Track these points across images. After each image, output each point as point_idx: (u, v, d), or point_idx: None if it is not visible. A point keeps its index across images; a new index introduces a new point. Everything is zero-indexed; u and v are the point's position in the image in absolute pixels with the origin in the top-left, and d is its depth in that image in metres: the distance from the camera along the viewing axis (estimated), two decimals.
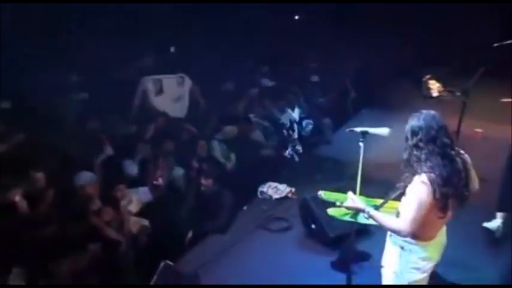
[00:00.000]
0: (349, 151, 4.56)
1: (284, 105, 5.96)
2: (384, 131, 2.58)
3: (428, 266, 1.97)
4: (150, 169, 4.09)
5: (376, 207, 2.07)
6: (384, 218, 1.98)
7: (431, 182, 1.80)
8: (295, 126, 5.86)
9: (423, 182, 1.82)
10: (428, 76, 7.05)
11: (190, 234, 3.66)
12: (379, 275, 2.23)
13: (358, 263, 3.19)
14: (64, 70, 4.83)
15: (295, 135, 5.79)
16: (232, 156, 4.98)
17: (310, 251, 3.50)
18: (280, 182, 4.58)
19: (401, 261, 1.99)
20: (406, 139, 1.94)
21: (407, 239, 1.93)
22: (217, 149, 4.93)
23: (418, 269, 1.96)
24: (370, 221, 2.06)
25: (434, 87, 7.04)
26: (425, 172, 1.83)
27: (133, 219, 3.67)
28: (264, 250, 3.53)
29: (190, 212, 3.79)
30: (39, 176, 3.42)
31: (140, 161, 4.17)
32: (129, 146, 4.33)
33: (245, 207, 4.17)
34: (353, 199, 2.09)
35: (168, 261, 2.89)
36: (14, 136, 3.75)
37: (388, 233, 2.12)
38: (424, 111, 1.96)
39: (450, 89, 6.67)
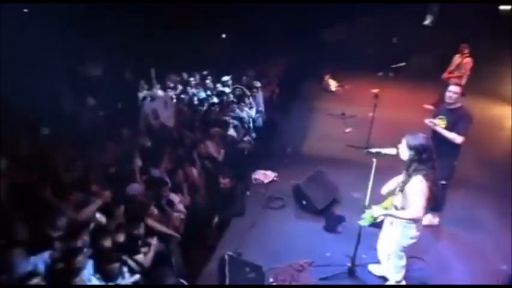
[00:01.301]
0: (301, 139, 6.46)
1: (243, 106, 7.54)
2: (392, 151, 3.53)
3: (417, 235, 3.53)
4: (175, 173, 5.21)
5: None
6: (402, 214, 3.30)
7: (426, 180, 3.18)
8: (251, 121, 7.42)
9: (421, 181, 3.16)
10: (328, 76, 9.67)
11: (216, 219, 4.95)
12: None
13: (339, 224, 4.89)
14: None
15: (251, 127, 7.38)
16: (222, 151, 6.27)
17: (305, 220, 5.07)
18: (265, 169, 6.08)
19: (403, 235, 3.45)
20: (409, 150, 3.22)
21: (408, 221, 3.34)
22: (211, 147, 6.15)
23: (413, 238, 3.45)
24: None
25: (332, 83, 9.63)
26: (420, 174, 3.19)
27: (175, 214, 4.83)
28: (273, 225, 4.98)
29: (214, 203, 5.03)
30: (107, 193, 4.34)
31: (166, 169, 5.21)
32: (152, 157, 5.32)
33: (248, 193, 5.54)
34: (380, 211, 3.41)
35: (229, 252, 3.99)
36: (74, 163, 4.48)
37: (388, 221, 3.63)
38: (419, 134, 3.30)
39: (341, 84, 9.46)
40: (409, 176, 3.29)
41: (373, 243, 4.05)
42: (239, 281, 3.71)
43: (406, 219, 3.34)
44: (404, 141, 3.37)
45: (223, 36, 11.39)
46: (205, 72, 8.94)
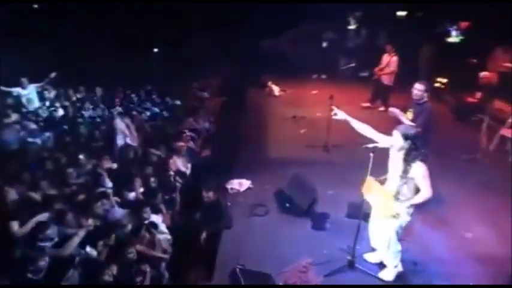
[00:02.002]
0: (261, 144, 6.70)
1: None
2: (386, 144, 3.86)
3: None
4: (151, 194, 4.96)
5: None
6: (418, 198, 3.61)
7: (424, 163, 3.58)
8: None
9: (422, 166, 3.57)
10: (270, 82, 10.33)
11: (204, 235, 4.82)
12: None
13: (326, 221, 5.11)
14: None
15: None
16: (189, 165, 6.16)
17: (292, 222, 5.19)
18: (238, 178, 6.08)
19: (402, 219, 3.79)
20: (405, 140, 3.59)
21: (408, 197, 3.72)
22: (179, 162, 6.00)
23: (410, 214, 3.81)
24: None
25: (275, 89, 10.26)
26: (418, 160, 3.60)
27: (161, 236, 4.61)
28: (263, 231, 5.01)
29: (199, 218, 4.90)
30: (88, 222, 4.04)
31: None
32: (122, 179, 5.00)
33: (229, 203, 5.48)
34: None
35: (239, 266, 3.98)
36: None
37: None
38: (408, 125, 3.81)
39: (283, 89, 10.15)
40: (409, 164, 3.61)
41: (362, 234, 4.31)
42: None
43: (420, 202, 3.66)
44: (398, 134, 3.69)
45: (156, 50, 11.25)
46: (149, 87, 8.76)
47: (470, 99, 7.93)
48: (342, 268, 4.29)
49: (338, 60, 11.51)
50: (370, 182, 4.04)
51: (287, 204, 5.31)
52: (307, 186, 5.58)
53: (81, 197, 4.62)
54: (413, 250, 4.52)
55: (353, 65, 7.92)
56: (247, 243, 4.78)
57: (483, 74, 7.92)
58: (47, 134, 6.07)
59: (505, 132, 6.92)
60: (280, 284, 4.05)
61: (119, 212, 4.47)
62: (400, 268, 4.19)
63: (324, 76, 11.87)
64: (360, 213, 4.25)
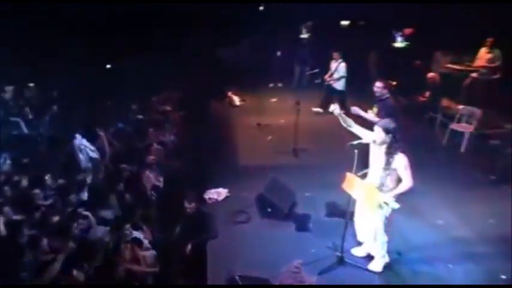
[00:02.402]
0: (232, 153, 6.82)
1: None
2: (369, 140, 4.07)
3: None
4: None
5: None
6: (402, 188, 3.85)
7: (405, 154, 3.85)
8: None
9: (403, 157, 3.82)
10: (230, 92, 10.55)
11: (189, 246, 4.72)
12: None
13: (308, 222, 5.24)
14: None
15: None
16: (161, 179, 6.04)
17: (275, 226, 5.24)
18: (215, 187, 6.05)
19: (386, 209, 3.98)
20: (386, 134, 3.83)
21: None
22: (153, 176, 5.86)
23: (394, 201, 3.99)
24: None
25: (235, 99, 10.47)
26: (399, 151, 3.85)
27: (147, 253, 4.45)
28: (249, 237, 5.02)
29: (186, 230, 4.80)
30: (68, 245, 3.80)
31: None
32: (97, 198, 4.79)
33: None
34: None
35: (237, 274, 4.01)
36: None
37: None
38: (387, 120, 4.03)
39: (243, 99, 10.41)
40: (391, 156, 3.85)
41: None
42: None
43: (404, 191, 3.90)
44: (379, 128, 3.93)
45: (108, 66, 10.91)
46: (109, 103, 8.47)
47: (421, 99, 8.56)
48: (333, 265, 4.42)
49: (293, 69, 11.87)
50: (350, 178, 4.23)
51: (269, 209, 5.36)
52: (286, 190, 5.68)
53: (55, 219, 4.34)
54: (395, 240, 4.76)
55: (317, 70, 8.26)
56: (235, 250, 4.76)
57: (430, 74, 8.61)
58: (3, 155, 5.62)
59: (454, 126, 7.60)
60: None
61: (99, 231, 4.25)
62: (387, 259, 4.40)
63: (280, 84, 12.18)
64: (340, 211, 4.46)
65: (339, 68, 9.26)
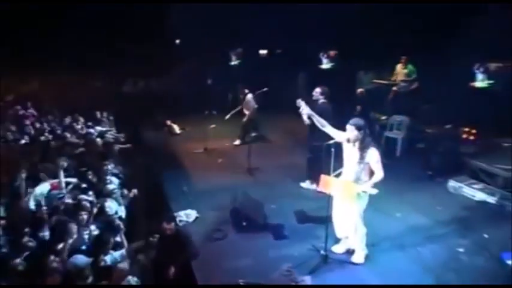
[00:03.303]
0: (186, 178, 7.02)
1: None
2: (342, 138, 4.57)
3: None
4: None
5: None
6: (375, 179, 4.37)
7: (376, 148, 4.42)
8: None
9: (375, 150, 4.37)
10: (169, 121, 10.77)
11: (172, 269, 4.68)
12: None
13: (283, 230, 5.54)
14: None
15: None
16: (122, 208, 5.91)
17: (252, 238, 5.42)
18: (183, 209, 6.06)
19: (361, 202, 4.49)
20: (358, 130, 4.37)
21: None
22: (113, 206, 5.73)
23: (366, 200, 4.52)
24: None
25: (175, 127, 10.70)
26: (372, 146, 4.41)
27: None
28: (229, 252, 5.13)
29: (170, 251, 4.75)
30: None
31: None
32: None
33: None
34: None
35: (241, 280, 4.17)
36: None
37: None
38: (358, 118, 4.57)
39: (183, 127, 10.72)
40: (364, 150, 4.40)
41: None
42: None
43: (378, 182, 4.44)
44: (352, 126, 4.48)
45: None
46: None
47: (354, 112, 9.61)
48: (319, 264, 4.75)
49: (226, 96, 12.39)
50: (326, 178, 4.72)
51: (244, 223, 5.55)
52: (256, 202, 5.94)
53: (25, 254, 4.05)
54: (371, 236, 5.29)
55: (266, 89, 8.77)
56: (220, 266, 4.83)
57: (359, 90, 9.76)
58: None
59: (388, 134, 8.69)
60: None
61: (80, 260, 4.04)
62: (366, 251, 4.87)
63: (214, 112, 12.54)
64: (309, 216, 4.98)
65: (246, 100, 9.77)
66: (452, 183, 6.78)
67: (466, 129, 8.46)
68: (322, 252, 4.83)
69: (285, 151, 9.13)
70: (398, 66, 9.87)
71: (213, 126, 10.19)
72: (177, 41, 13.55)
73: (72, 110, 9.89)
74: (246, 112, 9.66)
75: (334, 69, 11.23)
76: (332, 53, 11.20)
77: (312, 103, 5.96)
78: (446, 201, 6.39)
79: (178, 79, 12.75)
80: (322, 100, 6.52)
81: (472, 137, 8.36)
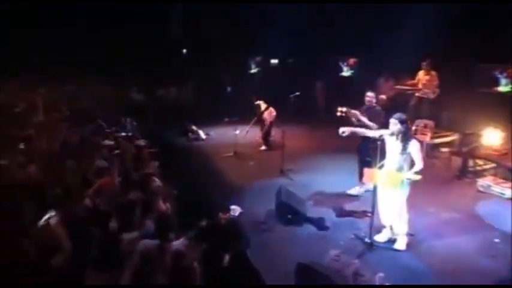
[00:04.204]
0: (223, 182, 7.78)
1: None
2: (386, 134, 5.21)
3: None
4: None
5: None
6: (416, 168, 4.97)
7: (416, 140, 5.04)
8: None
9: (416, 142, 5.01)
10: (194, 127, 11.24)
11: (227, 257, 5.18)
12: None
13: (324, 222, 6.08)
14: None
15: None
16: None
17: (296, 229, 5.96)
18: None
19: (405, 189, 5.07)
20: (401, 124, 4.99)
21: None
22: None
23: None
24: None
25: (201, 133, 11.27)
26: (413, 138, 5.05)
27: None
28: (277, 244, 5.65)
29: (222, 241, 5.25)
30: None
31: None
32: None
33: None
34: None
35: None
36: None
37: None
38: (400, 113, 5.18)
39: (207, 133, 11.11)
40: (406, 142, 5.02)
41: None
42: None
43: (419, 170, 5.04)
44: (395, 120, 5.09)
45: None
46: None
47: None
48: (364, 250, 5.29)
49: (245, 102, 13.04)
50: (369, 171, 5.32)
51: (289, 216, 6.09)
52: (297, 197, 6.49)
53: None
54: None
55: (298, 93, 9.37)
56: (269, 256, 5.34)
57: (380, 97, 10.36)
58: None
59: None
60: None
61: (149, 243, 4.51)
62: (406, 239, 5.40)
63: (235, 118, 13.17)
64: (347, 211, 5.80)
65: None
66: (481, 183, 7.32)
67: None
68: (366, 239, 5.36)
69: (311, 155, 9.73)
70: (421, 73, 10.48)
71: (237, 132, 10.77)
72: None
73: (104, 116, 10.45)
74: (267, 118, 10.25)
75: (354, 76, 11.90)
76: (352, 60, 11.87)
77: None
78: (476, 199, 6.94)
79: (200, 88, 13.45)
80: (374, 104, 6.98)
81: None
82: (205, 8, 12.93)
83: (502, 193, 6.98)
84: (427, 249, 5.38)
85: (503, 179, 7.31)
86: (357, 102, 7.28)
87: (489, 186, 7.18)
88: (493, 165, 7.87)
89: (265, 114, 10.25)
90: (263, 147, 10.23)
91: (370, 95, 6.94)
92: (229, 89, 13.74)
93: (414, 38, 10.12)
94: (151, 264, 4.50)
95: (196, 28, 13.93)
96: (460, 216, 6.34)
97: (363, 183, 6.66)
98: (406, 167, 5.13)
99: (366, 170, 5.42)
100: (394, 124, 5.12)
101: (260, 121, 10.39)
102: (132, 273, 4.17)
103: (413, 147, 5.06)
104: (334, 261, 4.90)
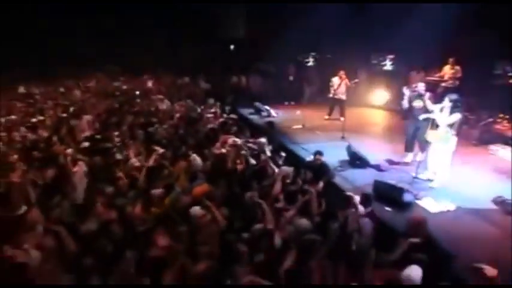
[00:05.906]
0: None
1: None
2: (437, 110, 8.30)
3: None
4: None
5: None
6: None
7: (460, 113, 7.83)
8: None
9: (459, 114, 7.68)
10: (267, 107, 14.28)
11: (321, 183, 8.20)
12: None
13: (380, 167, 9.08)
14: None
15: None
16: None
17: (365, 171, 8.96)
18: None
19: (451, 144, 7.94)
20: (450, 102, 7.76)
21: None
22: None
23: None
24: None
25: (273, 111, 14.32)
26: (456, 111, 7.79)
27: None
28: (349, 177, 8.67)
29: None
30: None
31: None
32: None
33: None
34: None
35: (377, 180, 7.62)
36: None
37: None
38: (452, 94, 8.15)
39: (276, 112, 14.09)
40: (451, 114, 7.81)
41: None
42: None
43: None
44: (447, 99, 7.90)
45: None
46: None
47: None
48: (410, 181, 8.24)
49: (302, 89, 16.17)
50: (429, 132, 8.21)
51: (357, 162, 9.10)
52: (360, 151, 9.46)
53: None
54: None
55: (357, 80, 12.05)
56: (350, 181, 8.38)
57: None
58: None
59: None
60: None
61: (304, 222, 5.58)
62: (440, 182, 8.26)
63: (292, 103, 16.25)
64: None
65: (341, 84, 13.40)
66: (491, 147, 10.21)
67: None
68: (413, 174, 8.32)
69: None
70: (447, 67, 13.22)
71: (297, 112, 13.82)
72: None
73: None
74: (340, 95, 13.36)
75: (393, 70, 14.68)
76: (391, 55, 14.67)
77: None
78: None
79: (268, 75, 16.58)
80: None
81: None
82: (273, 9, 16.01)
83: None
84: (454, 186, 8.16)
85: None
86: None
87: (497, 150, 10.06)
88: None
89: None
90: (326, 117, 13.36)
91: (422, 85, 9.35)
92: (291, 78, 16.88)
93: (442, 35, 12.66)
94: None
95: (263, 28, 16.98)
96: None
97: (407, 153, 9.51)
98: (452, 130, 7.87)
99: (429, 131, 8.25)
100: (446, 101, 7.88)
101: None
102: None
103: (457, 117, 7.72)
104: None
